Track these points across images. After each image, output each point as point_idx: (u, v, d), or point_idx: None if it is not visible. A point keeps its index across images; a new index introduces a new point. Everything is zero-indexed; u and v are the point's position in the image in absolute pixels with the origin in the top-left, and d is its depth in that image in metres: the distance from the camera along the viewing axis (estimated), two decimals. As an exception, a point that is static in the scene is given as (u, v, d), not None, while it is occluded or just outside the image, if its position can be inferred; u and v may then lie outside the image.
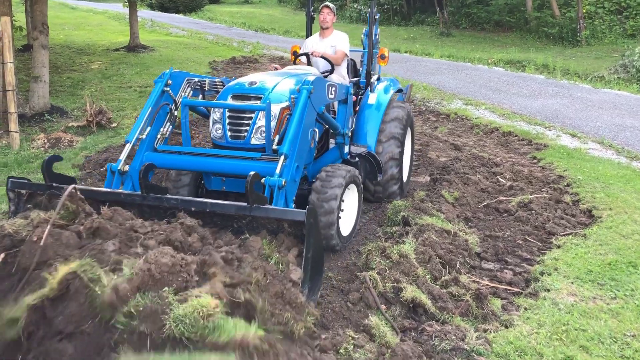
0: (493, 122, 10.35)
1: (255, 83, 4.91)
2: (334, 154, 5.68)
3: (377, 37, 6.90)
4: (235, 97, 4.81)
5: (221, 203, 3.66)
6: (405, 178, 6.57)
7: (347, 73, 6.49)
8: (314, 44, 6.39)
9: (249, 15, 35.11)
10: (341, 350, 3.38)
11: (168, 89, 4.83)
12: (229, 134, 4.71)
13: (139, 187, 3.86)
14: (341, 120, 5.68)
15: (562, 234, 5.50)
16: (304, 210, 3.41)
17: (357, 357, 3.32)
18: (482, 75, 15.80)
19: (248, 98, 4.76)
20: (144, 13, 30.03)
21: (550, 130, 9.77)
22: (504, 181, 7.02)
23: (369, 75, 6.58)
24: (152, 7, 36.25)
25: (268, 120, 4.46)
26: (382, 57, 6.73)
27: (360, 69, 6.88)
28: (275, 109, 4.60)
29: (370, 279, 4.15)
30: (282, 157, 4.12)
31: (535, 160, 8.14)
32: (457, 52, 20.87)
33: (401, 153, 6.17)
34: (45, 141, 8.64)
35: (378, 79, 6.73)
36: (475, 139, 9.54)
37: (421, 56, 20.29)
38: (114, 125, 9.50)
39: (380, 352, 3.40)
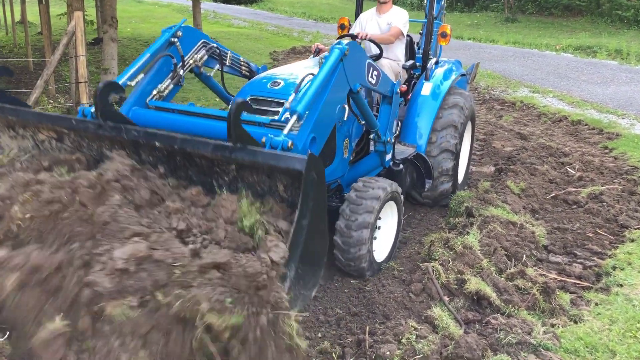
0: (561, 110, 9.95)
1: (279, 84, 4.10)
2: (374, 160, 4.79)
3: (443, 9, 5.93)
4: (255, 101, 4.03)
5: (194, 140, 2.75)
6: (460, 178, 5.89)
7: (404, 54, 5.61)
8: (367, 20, 5.50)
9: (309, 4, 35.15)
10: (403, 340, 3.36)
11: (176, 41, 4.17)
12: None
13: (95, 110, 3.17)
14: (383, 123, 4.63)
15: (636, 227, 5.23)
16: (305, 157, 2.48)
17: (420, 347, 3.28)
18: (549, 61, 15.21)
19: (270, 103, 3.98)
20: (206, 5, 30.66)
21: (623, 118, 9.31)
22: (573, 172, 6.74)
23: (425, 57, 5.61)
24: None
25: None
26: (444, 35, 5.70)
27: (418, 49, 6.00)
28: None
29: (433, 270, 4.10)
30: (294, 117, 3.22)
31: (606, 150, 7.77)
32: (523, 38, 20.17)
33: (457, 146, 5.36)
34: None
35: (436, 63, 5.79)
36: (543, 127, 9.21)
37: (485, 43, 19.74)
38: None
39: (444, 344, 3.35)
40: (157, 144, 2.80)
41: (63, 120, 3.21)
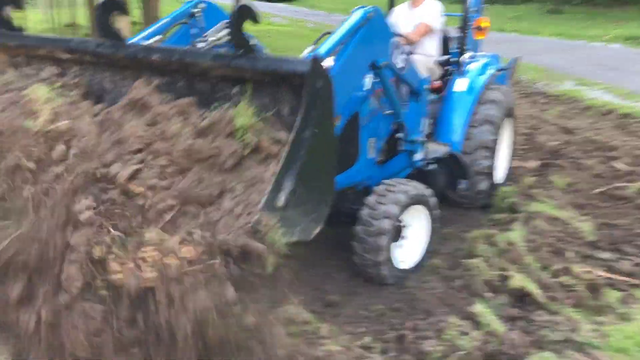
0: (609, 103, 9.65)
1: None
2: (403, 160, 4.57)
3: (482, 2, 5.66)
4: None
5: (195, 51, 2.70)
6: (500, 176, 5.62)
7: (438, 49, 5.35)
8: (400, 15, 5.31)
9: (345, 1, 35.06)
10: (445, 337, 3.35)
11: (198, 13, 4.06)
12: None
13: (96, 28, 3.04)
14: (411, 121, 4.47)
15: (689, 223, 5.05)
16: (309, 60, 2.32)
17: (462, 344, 3.27)
18: (596, 53, 14.77)
19: None
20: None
21: (675, 111, 8.97)
22: (622, 166, 6.54)
23: (460, 52, 5.36)
24: (254, -3, 37.21)
25: None
26: (480, 28, 5.45)
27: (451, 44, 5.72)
28: None
29: (475, 266, 4.06)
30: None
31: (657, 144, 7.51)
32: (568, 29, 19.61)
33: (494, 143, 5.15)
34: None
35: (472, 57, 5.48)
36: (589, 121, 8.95)
37: (528, 35, 19.29)
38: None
39: (486, 341, 3.33)
40: (156, 57, 2.66)
41: (63, 42, 3.13)
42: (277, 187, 2.17)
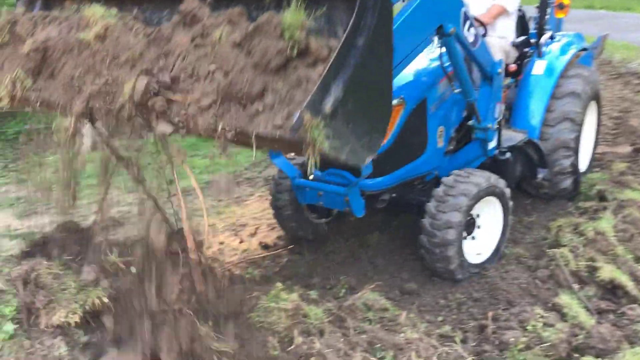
0: None
1: None
2: (475, 149, 4.32)
3: None
4: None
5: None
6: (584, 167, 5.31)
7: (515, 30, 5.00)
8: None
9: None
10: (529, 328, 3.25)
11: None
12: None
13: None
14: (483, 107, 4.14)
15: None
16: None
17: (547, 335, 3.15)
18: (698, 29, 13.67)
19: None
20: None
21: None
22: None
23: (539, 32, 4.97)
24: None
25: None
26: (561, 6, 5.08)
27: (530, 25, 5.39)
28: None
29: (561, 256, 3.90)
30: None
31: None
32: (666, 4, 18.27)
33: (577, 139, 4.84)
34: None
35: (551, 38, 5.10)
36: (689, 103, 8.33)
37: (620, 12, 18.12)
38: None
39: (573, 333, 3.20)
40: None
41: None
42: (324, 89, 1.96)
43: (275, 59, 2.09)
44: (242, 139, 2.06)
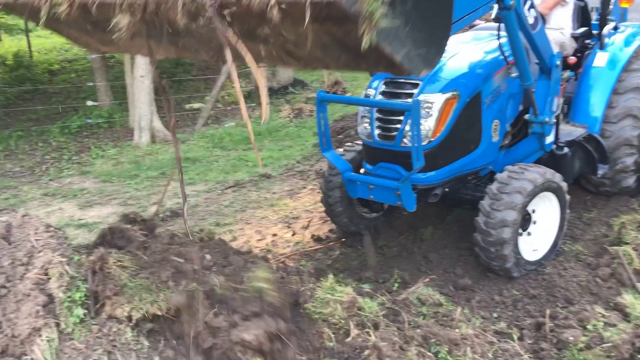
0: None
1: None
2: (532, 144, 4.21)
3: None
4: (388, 83, 3.87)
5: None
6: None
7: (573, 22, 4.84)
8: None
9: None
10: (589, 327, 3.16)
11: None
12: (376, 132, 3.86)
13: None
14: (540, 100, 4.02)
15: None
16: None
17: (608, 335, 3.06)
18: None
19: (403, 85, 3.80)
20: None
21: None
22: None
23: (602, 23, 4.79)
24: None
25: (416, 123, 3.43)
26: None
27: (594, 14, 5.18)
28: (436, 100, 3.65)
29: (624, 254, 3.77)
30: None
31: None
32: None
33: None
34: (290, 112, 9.50)
35: (615, 29, 4.90)
36: None
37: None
38: (349, 94, 10.02)
39: (637, 334, 3.08)
40: None
41: None
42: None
43: None
44: (295, 12, 1.89)
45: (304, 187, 6.04)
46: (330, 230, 4.82)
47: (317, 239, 4.74)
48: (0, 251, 2.50)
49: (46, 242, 2.53)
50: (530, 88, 3.90)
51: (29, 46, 15.68)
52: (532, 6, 3.68)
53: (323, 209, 4.69)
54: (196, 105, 10.69)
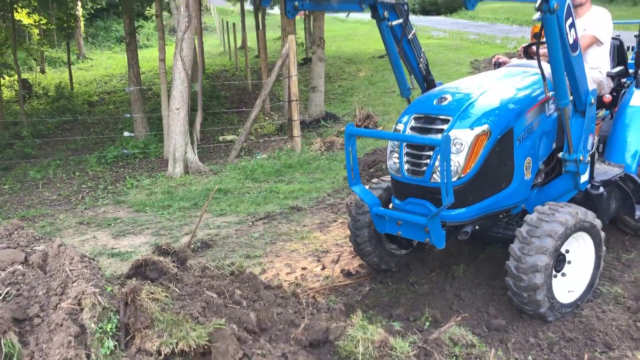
0: None
1: (446, 99, 3.84)
2: (566, 182, 4.09)
3: None
4: (418, 119, 3.85)
5: None
6: None
7: (610, 60, 4.85)
8: None
9: (512, 9, 33.63)
10: (630, 374, 3.03)
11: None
12: (405, 167, 3.80)
13: None
14: (575, 138, 3.93)
15: None
16: None
17: (651, 384, 2.93)
18: None
19: (433, 120, 3.77)
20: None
21: None
22: None
23: (638, 61, 4.80)
24: (414, 12, 37.32)
25: (446, 158, 3.37)
26: None
27: (630, 53, 5.23)
28: (466, 136, 3.60)
29: (666, 298, 3.63)
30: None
31: None
32: None
33: None
34: (322, 145, 9.56)
35: None
36: None
37: None
38: (380, 128, 10.04)
39: (681, 384, 2.95)
40: None
41: None
42: None
43: None
44: None
45: (335, 221, 6.02)
46: (360, 265, 4.78)
47: (347, 274, 4.69)
48: (36, 280, 2.54)
49: (80, 272, 2.56)
50: (565, 109, 3.78)
51: (71, 78, 16.25)
52: (572, 25, 3.61)
53: (353, 244, 4.66)
54: (229, 137, 10.86)
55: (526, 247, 3.50)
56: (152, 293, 2.53)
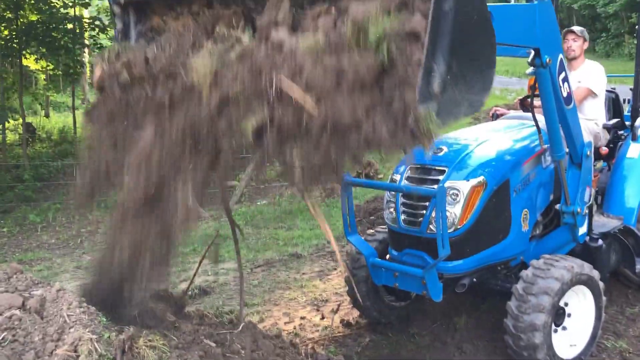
0: None
1: (442, 150, 3.84)
2: (563, 234, 4.11)
3: None
4: (414, 169, 3.86)
5: None
6: None
7: (606, 112, 4.91)
8: None
9: (512, 62, 34.26)
10: None
11: None
12: (402, 217, 3.81)
13: None
14: (572, 190, 3.95)
15: None
16: None
17: None
18: None
19: (429, 171, 3.78)
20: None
21: None
22: None
23: (634, 114, 4.87)
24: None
25: (442, 209, 3.38)
26: None
27: (625, 105, 5.27)
28: (463, 187, 3.60)
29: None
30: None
31: None
32: None
33: None
34: (322, 191, 9.54)
35: None
36: None
37: None
38: (380, 176, 10.07)
39: None
40: None
41: None
42: (427, 73, 2.00)
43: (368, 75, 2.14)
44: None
45: (335, 269, 5.97)
46: (360, 315, 4.71)
47: (346, 324, 4.62)
48: (33, 325, 2.50)
49: (78, 317, 2.52)
50: (561, 161, 3.81)
51: (74, 122, 16.41)
52: (565, 79, 3.67)
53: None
54: (230, 182, 10.89)
55: (523, 306, 3.46)
56: (150, 340, 2.48)
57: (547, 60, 3.37)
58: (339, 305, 4.97)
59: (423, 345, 4.20)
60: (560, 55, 3.59)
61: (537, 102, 3.97)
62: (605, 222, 4.37)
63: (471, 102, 2.15)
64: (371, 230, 4.64)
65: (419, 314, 4.61)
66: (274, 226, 8.03)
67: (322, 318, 4.79)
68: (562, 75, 3.63)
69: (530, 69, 3.52)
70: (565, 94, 3.68)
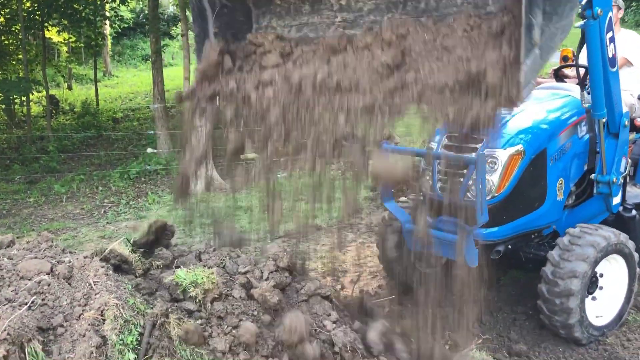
0: None
1: None
2: (597, 204, 4.13)
3: None
4: (452, 137, 3.82)
5: None
6: None
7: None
8: None
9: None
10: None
11: None
12: (438, 185, 3.83)
13: None
14: (609, 160, 3.98)
15: None
16: None
17: (678, 416, 2.85)
18: None
19: (466, 139, 3.71)
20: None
21: None
22: None
23: None
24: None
25: (481, 177, 3.37)
26: None
27: None
28: (501, 155, 3.62)
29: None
30: None
31: None
32: None
33: None
34: (342, 164, 9.55)
35: None
36: None
37: None
38: (401, 149, 10.03)
39: None
40: None
41: None
42: (528, 30, 2.19)
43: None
44: None
45: (354, 241, 6.01)
46: (379, 286, 4.75)
47: (365, 295, 4.66)
48: (61, 290, 2.57)
49: (105, 284, 2.59)
50: (602, 120, 3.80)
51: (97, 95, 16.56)
52: (612, 40, 3.64)
53: (372, 263, 4.63)
54: (250, 155, 10.93)
55: (559, 271, 3.50)
56: (181, 319, 2.55)
57: (599, 11, 3.35)
58: (358, 276, 5.01)
59: (441, 315, 4.21)
60: (610, 13, 3.55)
61: (571, 72, 3.89)
62: (638, 193, 4.36)
63: (563, 28, 2.28)
64: (404, 198, 4.68)
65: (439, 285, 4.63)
66: (294, 198, 8.06)
67: (342, 288, 4.84)
68: (610, 34, 3.60)
69: (581, 22, 3.47)
70: (610, 55, 3.64)
